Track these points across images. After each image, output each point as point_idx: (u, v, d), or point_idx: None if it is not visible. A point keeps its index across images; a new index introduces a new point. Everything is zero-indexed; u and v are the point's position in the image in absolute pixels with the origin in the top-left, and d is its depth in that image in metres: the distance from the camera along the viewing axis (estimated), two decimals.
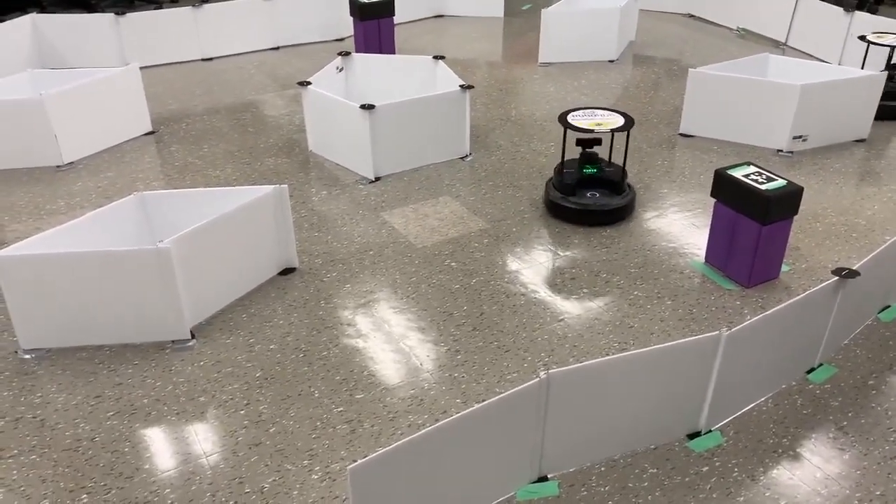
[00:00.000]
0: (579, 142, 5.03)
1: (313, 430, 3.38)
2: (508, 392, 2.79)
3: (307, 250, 4.77)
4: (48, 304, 3.77)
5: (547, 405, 2.92)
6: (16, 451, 3.26)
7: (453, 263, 4.63)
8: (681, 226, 5.05)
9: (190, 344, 3.91)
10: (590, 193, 5.06)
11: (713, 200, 4.50)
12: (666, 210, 5.25)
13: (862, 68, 6.63)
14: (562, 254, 4.74)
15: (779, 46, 8.70)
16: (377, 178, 5.68)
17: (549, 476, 3.13)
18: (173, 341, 3.92)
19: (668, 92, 7.42)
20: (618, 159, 5.29)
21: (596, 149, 5.16)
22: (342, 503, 3.02)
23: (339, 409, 3.50)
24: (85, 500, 3.02)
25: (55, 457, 3.23)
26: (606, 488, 3.08)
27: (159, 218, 4.28)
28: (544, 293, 4.34)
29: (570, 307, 4.22)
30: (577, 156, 5.19)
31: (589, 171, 5.08)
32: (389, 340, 3.96)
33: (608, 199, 5.06)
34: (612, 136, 5.08)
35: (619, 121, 5.02)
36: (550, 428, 2.99)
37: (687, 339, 3.11)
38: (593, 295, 4.32)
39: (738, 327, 3.14)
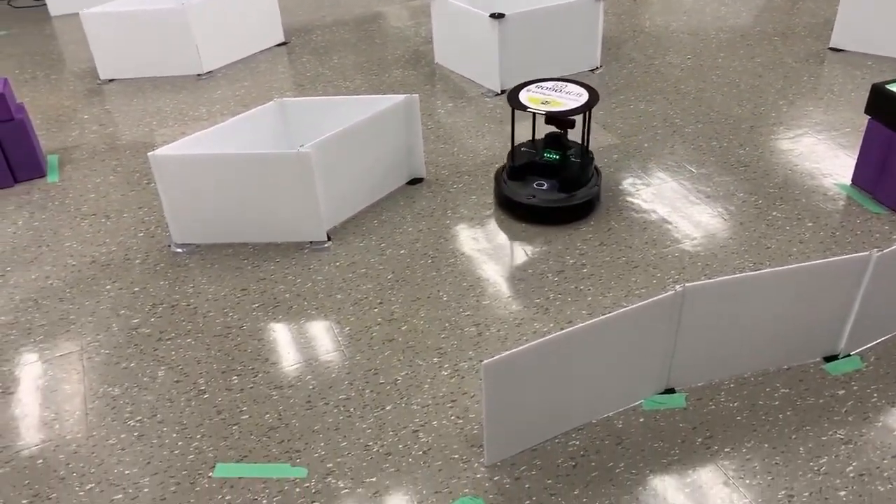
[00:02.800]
0: (549, 119, 4.03)
1: (442, 330, 3.51)
2: (643, 302, 2.78)
3: (434, 161, 4.82)
4: (197, 203, 4.02)
5: (681, 318, 2.90)
6: (173, 334, 3.56)
7: None
8: (826, 146, 4.76)
9: (326, 245, 4.10)
10: (536, 184, 4.14)
11: (864, 119, 4.20)
12: (811, 129, 4.94)
13: None
14: (696, 171, 4.58)
15: None
16: (503, 91, 5.62)
17: (676, 389, 3.13)
18: (311, 242, 4.11)
19: (819, 2, 6.86)
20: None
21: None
22: (470, 399, 3.14)
23: (466, 313, 3.60)
24: (235, 381, 3.29)
25: (207, 341, 3.51)
26: (735, 404, 3.06)
27: (297, 124, 4.44)
28: (676, 211, 4.24)
29: (703, 226, 4.10)
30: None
31: (550, 157, 4.14)
32: (512, 253, 4.00)
33: (553, 194, 4.10)
34: (587, 116, 4.08)
35: (572, 102, 3.99)
36: (682, 341, 2.97)
37: (834, 259, 2.97)
38: (728, 215, 4.18)
39: (890, 249, 2.97)
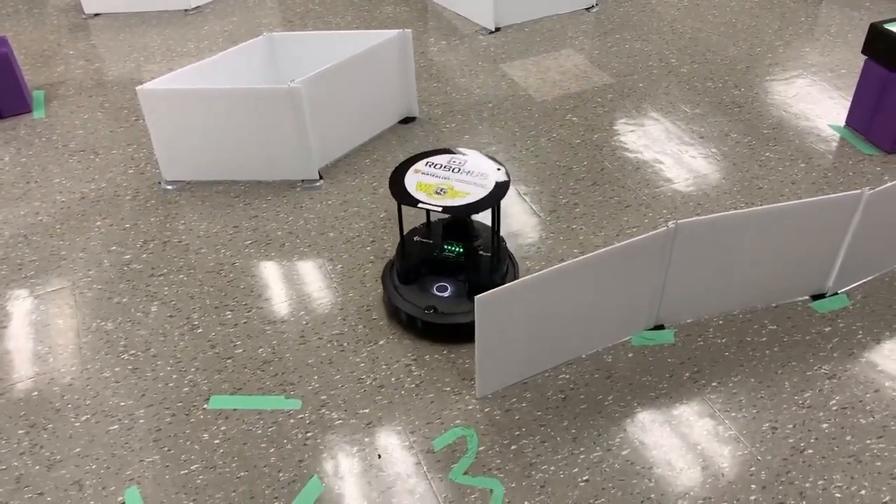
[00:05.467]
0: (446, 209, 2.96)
1: None
2: (634, 238, 2.79)
3: (426, 100, 4.77)
4: (187, 139, 3.97)
5: (671, 255, 2.92)
6: (165, 270, 3.56)
7: (574, 118, 4.54)
8: (821, 87, 4.73)
9: (318, 184, 4.07)
10: (437, 286, 3.16)
11: (860, 61, 4.17)
12: (806, 70, 4.90)
13: None
14: (690, 111, 4.55)
15: None
16: (497, 29, 5.52)
17: (665, 325, 3.17)
18: (302, 181, 4.09)
19: None
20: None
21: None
22: None
23: None
24: (229, 316, 3.30)
25: (200, 277, 3.52)
26: (723, 340, 3.10)
27: (287, 60, 4.36)
28: (669, 151, 4.22)
29: (695, 166, 4.10)
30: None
31: (450, 250, 3.19)
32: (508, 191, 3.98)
33: (456, 304, 3.09)
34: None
35: (475, 189, 2.97)
36: (672, 278, 3.00)
37: (825, 196, 2.98)
38: (721, 155, 4.17)
39: (883, 187, 2.98)
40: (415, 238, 3.28)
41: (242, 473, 2.66)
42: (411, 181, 3.05)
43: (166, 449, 2.76)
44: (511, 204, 3.88)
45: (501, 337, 2.77)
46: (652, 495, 2.55)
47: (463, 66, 5.14)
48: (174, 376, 3.03)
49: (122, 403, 2.93)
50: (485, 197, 2.97)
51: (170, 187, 4.09)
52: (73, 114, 4.74)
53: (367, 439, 2.77)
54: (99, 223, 3.85)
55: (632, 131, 4.40)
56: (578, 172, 4.10)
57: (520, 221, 3.77)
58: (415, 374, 3.01)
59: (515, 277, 3.24)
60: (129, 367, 3.08)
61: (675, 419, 2.80)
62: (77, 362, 3.11)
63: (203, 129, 3.93)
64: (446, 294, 3.14)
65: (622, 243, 2.78)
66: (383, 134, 4.47)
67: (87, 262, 3.61)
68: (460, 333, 3.08)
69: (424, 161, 3.15)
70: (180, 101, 3.86)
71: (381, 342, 3.15)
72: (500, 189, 3.01)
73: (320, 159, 4.13)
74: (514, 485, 2.59)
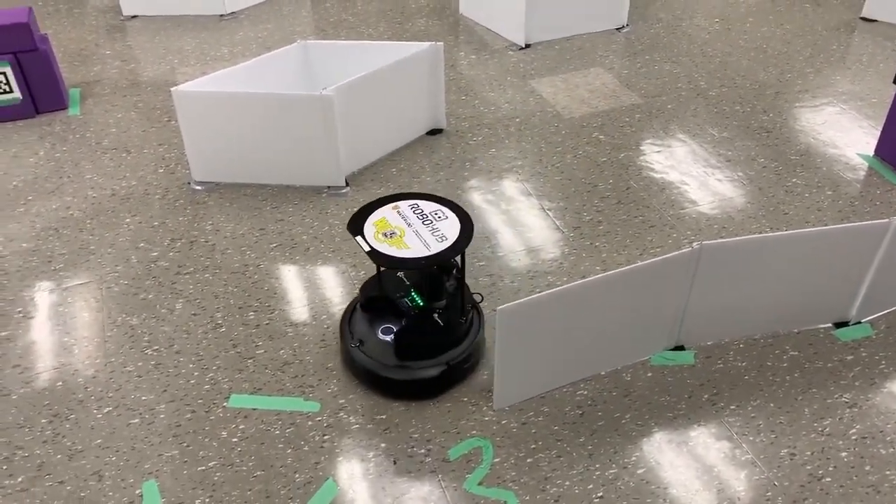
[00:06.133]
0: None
1: None
2: (658, 258, 2.80)
3: (454, 113, 4.81)
4: (218, 141, 4.03)
5: (695, 276, 2.92)
6: (192, 269, 3.61)
7: (601, 136, 4.56)
8: (851, 116, 4.71)
9: (344, 191, 4.12)
10: (383, 327, 3.02)
11: (891, 90, 4.16)
12: (836, 98, 4.89)
13: None
14: (717, 134, 4.55)
15: None
16: (527, 45, 5.57)
17: (685, 346, 3.17)
18: (329, 187, 4.13)
19: None
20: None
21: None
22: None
23: (480, 263, 3.63)
24: (252, 317, 3.34)
25: (225, 277, 3.56)
26: (743, 364, 3.09)
27: (320, 67, 4.42)
28: (695, 173, 4.23)
29: (721, 189, 4.09)
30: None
31: (411, 300, 2.98)
32: (532, 206, 4.01)
33: (382, 350, 2.94)
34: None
35: (419, 248, 2.74)
36: (695, 300, 3.00)
37: (852, 224, 2.97)
38: (748, 180, 4.16)
39: None
40: (397, 273, 3.09)
41: (259, 472, 2.69)
42: (379, 214, 2.92)
43: (185, 445, 2.79)
44: (534, 218, 3.90)
45: (521, 350, 2.78)
46: None
47: (492, 80, 5.18)
48: (196, 373, 3.07)
49: (144, 398, 2.97)
50: (419, 257, 2.72)
51: (199, 188, 4.15)
52: (107, 112, 4.83)
53: (383, 445, 2.78)
54: (128, 220, 3.92)
55: (658, 152, 4.41)
56: (603, 190, 4.11)
57: (542, 236, 3.78)
58: None
59: (469, 344, 3.00)
60: (152, 362, 3.12)
61: (693, 440, 2.79)
62: (101, 355, 3.16)
63: (234, 132, 3.99)
64: (387, 338, 2.97)
65: (647, 262, 2.78)
66: (411, 144, 4.51)
67: (115, 258, 3.67)
68: (372, 380, 2.95)
69: (408, 200, 3.01)
70: (213, 103, 3.92)
71: None
72: (438, 256, 2.73)
73: (348, 166, 4.18)
74: (528, 497, 2.59)
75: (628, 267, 2.77)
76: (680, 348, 3.16)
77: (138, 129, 4.66)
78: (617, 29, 5.78)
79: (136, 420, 2.88)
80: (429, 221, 2.89)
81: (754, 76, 5.17)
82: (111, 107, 4.89)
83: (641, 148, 4.45)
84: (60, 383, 3.04)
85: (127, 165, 4.33)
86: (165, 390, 3.00)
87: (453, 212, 2.95)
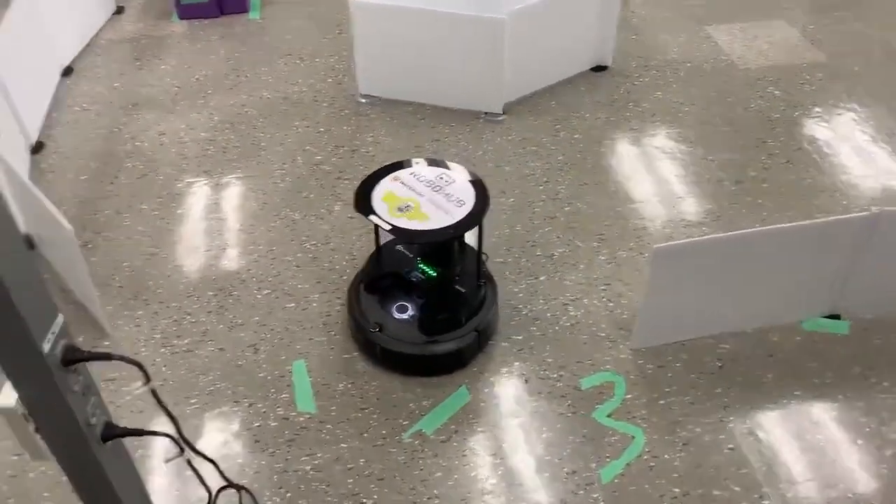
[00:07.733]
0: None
1: (606, 217, 3.51)
2: (830, 218, 2.66)
3: (622, 50, 4.66)
4: (388, 56, 4.13)
5: (867, 243, 2.75)
6: (351, 176, 3.77)
7: (777, 91, 4.31)
8: None
9: (501, 118, 4.13)
10: (398, 305, 2.82)
11: None
12: None
13: None
14: None
15: None
16: None
17: (841, 315, 3.01)
18: (486, 113, 4.16)
19: None
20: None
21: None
22: (625, 285, 3.17)
23: (633, 206, 3.57)
24: None
25: None
26: None
27: None
28: (879, 138, 3.93)
29: None
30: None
31: (423, 272, 2.82)
32: (693, 156, 3.87)
33: (407, 330, 2.76)
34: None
35: (441, 216, 2.57)
36: (861, 268, 2.83)
37: None
38: None
39: None
40: (396, 247, 2.94)
41: (398, 373, 2.83)
42: (382, 188, 2.75)
43: (333, 333, 2.97)
44: (696, 167, 3.78)
45: (670, 293, 2.75)
46: (800, 479, 2.48)
47: (667, 21, 4.98)
48: (348, 270, 3.24)
49: (300, 286, 3.18)
50: (447, 226, 2.53)
51: (363, 101, 4.29)
52: (284, 19, 5.04)
53: (517, 363, 2.85)
54: (297, 123, 4.12)
55: (839, 115, 4.12)
56: (773, 147, 3.90)
57: (702, 187, 3.67)
58: (571, 313, 3.05)
59: (490, 310, 2.86)
60: (310, 255, 3.32)
61: (837, 411, 2.68)
62: (265, 242, 3.39)
63: (403, 49, 4.07)
64: (404, 316, 2.78)
65: (816, 220, 2.65)
66: (573, 79, 4.44)
67: (283, 156, 3.89)
68: (402, 364, 2.78)
69: (409, 169, 2.84)
70: (389, 17, 4.00)
71: (541, 277, 3.21)
72: (467, 222, 2.56)
73: (508, 94, 4.18)
74: (656, 436, 2.60)
75: (794, 223, 2.65)
76: (835, 317, 3.01)
77: (312, 38, 4.84)
78: None
79: (292, 304, 3.10)
80: (437, 188, 2.71)
81: None
82: (288, 14, 5.10)
83: (819, 109, 4.17)
84: (226, 262, 3.30)
85: (299, 72, 4.53)
86: (319, 282, 3.19)
87: (458, 173, 2.78)
